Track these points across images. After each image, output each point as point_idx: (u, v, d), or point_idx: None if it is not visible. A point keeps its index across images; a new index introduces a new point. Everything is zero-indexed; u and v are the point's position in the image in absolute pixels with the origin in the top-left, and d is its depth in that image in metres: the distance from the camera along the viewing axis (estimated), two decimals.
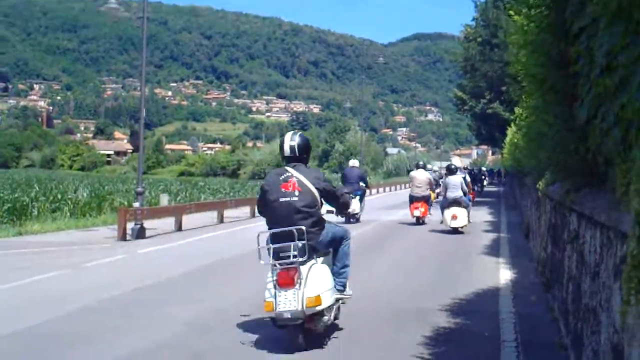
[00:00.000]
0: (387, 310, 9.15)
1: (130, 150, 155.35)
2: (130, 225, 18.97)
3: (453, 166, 21.16)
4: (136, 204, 20.28)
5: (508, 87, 17.70)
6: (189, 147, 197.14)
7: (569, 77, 5.01)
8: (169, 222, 21.63)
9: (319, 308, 6.91)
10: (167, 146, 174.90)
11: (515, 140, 18.48)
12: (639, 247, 2.58)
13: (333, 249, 7.82)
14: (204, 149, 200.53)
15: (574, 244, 6.72)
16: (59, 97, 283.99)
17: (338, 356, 6.87)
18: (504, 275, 12.29)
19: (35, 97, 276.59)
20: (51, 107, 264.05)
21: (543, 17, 5.84)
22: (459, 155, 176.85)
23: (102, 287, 10.75)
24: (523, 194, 23.85)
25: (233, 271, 12.82)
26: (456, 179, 20.22)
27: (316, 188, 7.39)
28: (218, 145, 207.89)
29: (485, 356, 6.94)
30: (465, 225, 20.03)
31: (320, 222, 7.46)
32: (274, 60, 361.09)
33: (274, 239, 7.26)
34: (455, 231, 19.65)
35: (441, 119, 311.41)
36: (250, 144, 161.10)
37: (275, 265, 7.04)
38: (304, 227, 7.12)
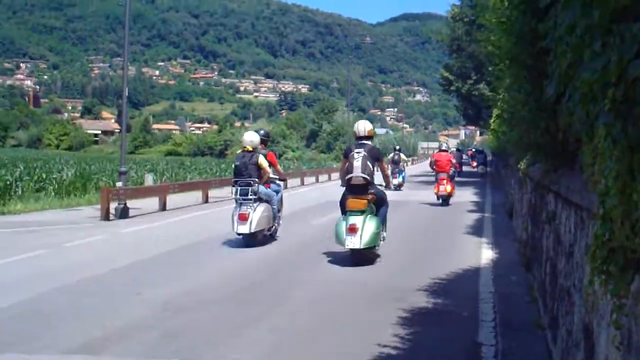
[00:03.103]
0: (366, 289, 9.14)
1: (118, 130, 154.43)
2: (113, 205, 18.88)
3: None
4: (119, 184, 20.19)
5: (494, 68, 17.70)
6: (176, 127, 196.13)
7: (540, 54, 4.98)
8: (153, 201, 21.51)
9: None
10: (155, 126, 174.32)
11: (494, 121, 18.76)
12: (603, 227, 2.55)
13: None
14: (192, 128, 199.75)
15: (551, 224, 6.71)
16: (45, 76, 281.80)
17: (315, 336, 6.84)
18: (486, 255, 12.31)
19: (21, 76, 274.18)
20: (38, 87, 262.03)
21: None
22: (447, 136, 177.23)
23: (81, 267, 10.68)
24: (507, 175, 23.92)
25: (212, 252, 12.75)
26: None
27: None
28: (206, 125, 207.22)
29: (464, 336, 6.93)
30: None
31: None
32: (262, 40, 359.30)
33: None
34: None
35: (429, 100, 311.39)
36: (238, 124, 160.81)
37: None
38: None
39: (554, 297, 6.18)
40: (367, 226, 11.14)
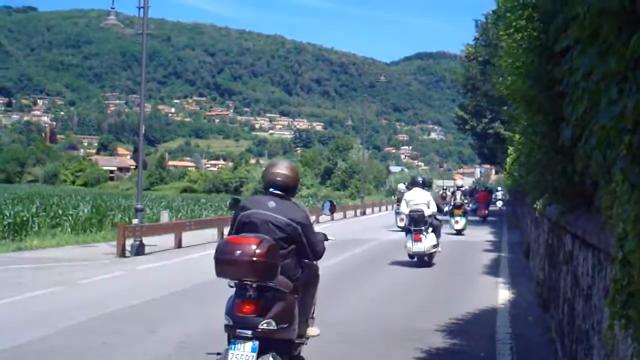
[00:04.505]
0: (382, 330, 9.11)
1: (133, 167, 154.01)
2: (129, 242, 18.94)
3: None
4: (135, 221, 20.25)
5: (508, 108, 17.80)
6: (192, 164, 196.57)
7: (556, 97, 5.01)
8: (169, 238, 21.55)
9: None
10: (170, 162, 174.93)
11: (510, 161, 19.43)
12: (622, 270, 2.56)
13: None
14: (207, 165, 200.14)
15: (568, 265, 6.69)
16: (62, 113, 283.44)
17: None
18: (503, 295, 12.26)
19: (38, 113, 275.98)
20: (54, 123, 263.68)
21: (530, 39, 5.85)
22: (462, 174, 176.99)
23: (96, 304, 10.70)
24: (524, 214, 23.86)
25: (228, 290, 12.73)
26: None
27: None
28: (221, 162, 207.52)
29: None
30: None
31: None
32: (277, 78, 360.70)
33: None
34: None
35: (444, 138, 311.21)
36: (253, 161, 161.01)
37: None
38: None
39: (572, 338, 6.15)
40: (461, 220, 27.18)
